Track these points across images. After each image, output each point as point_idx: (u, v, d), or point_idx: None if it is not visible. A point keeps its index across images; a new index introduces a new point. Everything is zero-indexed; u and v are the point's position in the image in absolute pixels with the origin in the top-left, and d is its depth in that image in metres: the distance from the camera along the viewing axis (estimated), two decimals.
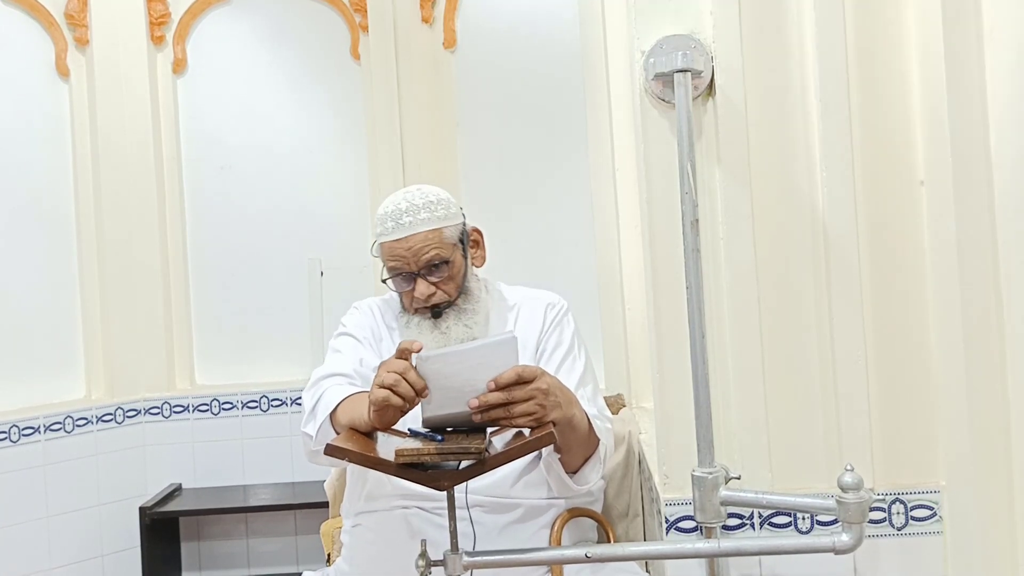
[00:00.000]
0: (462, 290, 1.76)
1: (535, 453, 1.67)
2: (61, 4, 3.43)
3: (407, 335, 1.76)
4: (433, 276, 1.73)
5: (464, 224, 1.81)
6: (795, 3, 1.57)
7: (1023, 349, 1.34)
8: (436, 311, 1.74)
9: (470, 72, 3.42)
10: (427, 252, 1.72)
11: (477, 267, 1.85)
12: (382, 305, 1.89)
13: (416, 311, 1.76)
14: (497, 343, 1.42)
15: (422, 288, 1.72)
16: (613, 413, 2.38)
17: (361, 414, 1.51)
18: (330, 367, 1.75)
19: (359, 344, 1.81)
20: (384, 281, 1.79)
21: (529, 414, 1.41)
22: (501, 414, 1.39)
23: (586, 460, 1.69)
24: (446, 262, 1.74)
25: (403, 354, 1.41)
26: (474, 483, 1.37)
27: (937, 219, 1.50)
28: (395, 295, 1.82)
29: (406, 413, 1.43)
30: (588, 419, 1.64)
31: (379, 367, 1.46)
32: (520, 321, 1.82)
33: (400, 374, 1.38)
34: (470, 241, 1.82)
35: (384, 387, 1.39)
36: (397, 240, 1.73)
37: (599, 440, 1.68)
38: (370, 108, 3.53)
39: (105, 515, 3.36)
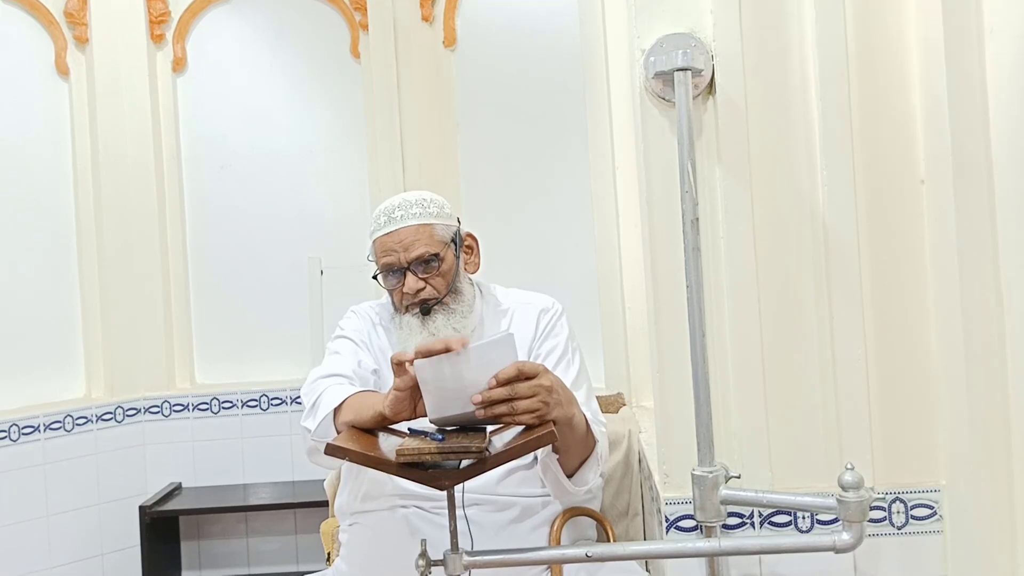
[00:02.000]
0: (452, 289, 1.77)
1: (532, 454, 1.67)
2: (61, 3, 3.43)
3: (398, 336, 1.78)
4: (422, 271, 1.75)
5: (458, 228, 1.83)
6: (795, 2, 1.57)
7: (1023, 349, 1.35)
8: (425, 308, 1.75)
9: (470, 71, 3.41)
10: (417, 247, 1.74)
11: (470, 273, 1.86)
12: (379, 309, 1.90)
13: (407, 309, 1.77)
14: (495, 341, 1.43)
15: (411, 282, 1.74)
16: (613, 412, 2.38)
17: (367, 410, 1.52)
18: (329, 368, 1.76)
19: (357, 347, 1.83)
20: (374, 277, 1.80)
21: (533, 411, 1.41)
22: (505, 410, 1.39)
23: (583, 462, 1.69)
24: (436, 256, 1.75)
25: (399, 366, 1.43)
26: (467, 483, 1.38)
27: (937, 219, 1.50)
28: (389, 298, 1.83)
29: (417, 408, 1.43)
30: (586, 420, 1.64)
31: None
32: (512, 327, 1.82)
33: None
34: (464, 246, 1.84)
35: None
36: (388, 234, 1.76)
37: (596, 441, 1.69)
38: (370, 107, 3.53)
39: (105, 514, 3.36)
